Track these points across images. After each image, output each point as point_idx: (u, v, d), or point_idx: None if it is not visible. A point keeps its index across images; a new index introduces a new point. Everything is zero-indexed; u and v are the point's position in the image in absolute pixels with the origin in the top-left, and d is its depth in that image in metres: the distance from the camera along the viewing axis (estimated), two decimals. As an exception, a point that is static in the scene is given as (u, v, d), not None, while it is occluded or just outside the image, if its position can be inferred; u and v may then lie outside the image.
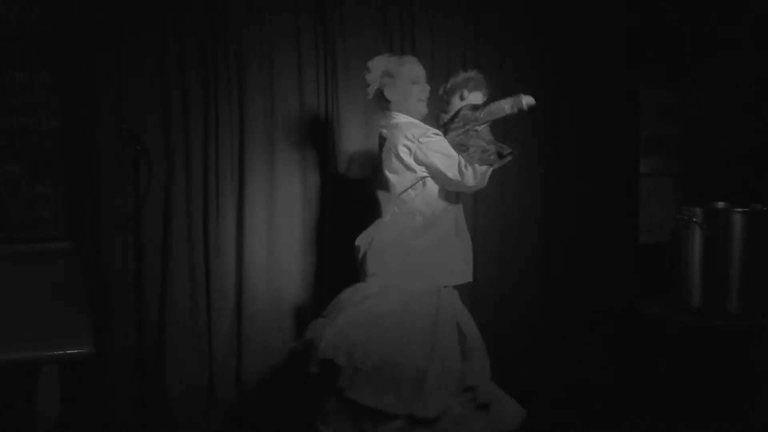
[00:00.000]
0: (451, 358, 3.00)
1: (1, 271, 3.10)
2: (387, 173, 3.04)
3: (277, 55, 3.69)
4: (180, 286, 3.60)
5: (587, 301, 4.25)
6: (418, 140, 2.97)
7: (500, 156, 3.01)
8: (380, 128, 3.17)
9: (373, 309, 2.99)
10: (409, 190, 3.03)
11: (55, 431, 2.60)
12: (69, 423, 3.12)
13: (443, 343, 3.00)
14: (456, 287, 3.15)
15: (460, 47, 3.98)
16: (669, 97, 4.47)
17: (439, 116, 3.20)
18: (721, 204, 3.95)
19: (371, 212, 3.19)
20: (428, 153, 2.97)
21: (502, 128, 3.86)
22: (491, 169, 3.04)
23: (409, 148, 2.98)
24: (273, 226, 3.72)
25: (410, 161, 2.99)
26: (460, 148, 3.00)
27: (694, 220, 3.75)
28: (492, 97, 3.11)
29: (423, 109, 3.14)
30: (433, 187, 3.05)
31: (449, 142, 3.02)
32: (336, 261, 3.70)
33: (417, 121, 3.10)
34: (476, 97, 3.13)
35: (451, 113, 3.13)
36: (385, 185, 3.07)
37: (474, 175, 2.99)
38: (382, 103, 3.14)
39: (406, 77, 3.09)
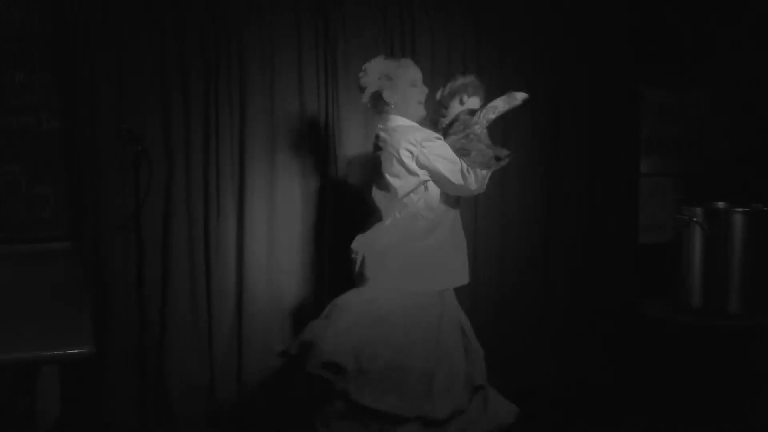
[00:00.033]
0: (457, 358, 3.02)
1: (1, 271, 3.10)
2: (388, 177, 3.03)
3: (277, 55, 3.69)
4: (180, 286, 3.60)
5: (587, 301, 4.25)
6: (421, 144, 2.97)
7: (497, 159, 3.02)
8: (378, 131, 3.16)
9: (377, 311, 2.98)
10: (411, 194, 3.03)
11: (55, 431, 2.60)
12: (69, 423, 3.11)
13: (449, 344, 3.02)
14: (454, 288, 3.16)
15: (460, 47, 3.98)
16: (669, 97, 4.47)
17: (438, 121, 3.21)
18: (721, 204, 3.95)
19: (371, 213, 3.19)
20: (431, 157, 2.97)
21: (502, 128, 3.88)
22: (490, 172, 3.05)
23: (411, 152, 2.98)
24: (273, 226, 3.72)
25: (412, 165, 2.99)
26: (462, 152, 3.01)
27: (695, 220, 3.75)
28: (487, 100, 3.12)
29: (422, 111, 3.15)
30: (434, 190, 3.05)
31: (450, 147, 3.03)
32: (336, 261, 3.69)
33: (416, 125, 3.11)
34: (474, 102, 3.14)
35: (450, 118, 3.14)
36: (385, 188, 3.06)
37: (476, 180, 3.01)
38: (379, 105, 3.14)
39: (406, 80, 3.09)
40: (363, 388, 2.89)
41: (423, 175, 3.01)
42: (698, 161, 4.54)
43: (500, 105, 3.01)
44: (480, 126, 3.03)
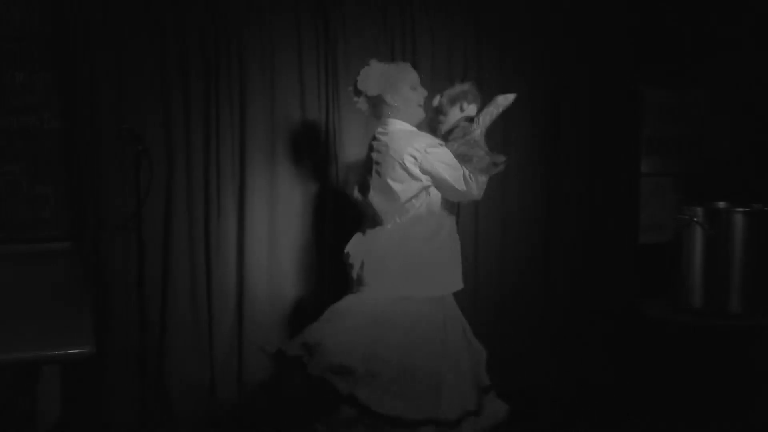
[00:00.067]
0: (463, 359, 3.03)
1: (1, 271, 3.10)
2: (389, 181, 3.02)
3: (277, 55, 3.69)
4: (181, 286, 3.60)
5: (587, 301, 4.25)
6: (425, 151, 2.98)
7: (495, 165, 3.05)
8: (378, 134, 3.15)
9: (380, 315, 2.98)
10: (413, 199, 3.03)
11: (56, 431, 2.60)
12: (69, 423, 3.12)
13: (454, 344, 3.03)
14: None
15: (461, 47, 3.98)
16: (669, 97, 4.47)
17: (437, 128, 3.21)
18: (721, 204, 3.95)
19: (364, 215, 3.19)
20: (434, 163, 2.98)
21: (502, 129, 3.89)
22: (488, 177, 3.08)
23: (415, 158, 2.98)
24: (274, 226, 3.72)
25: (416, 171, 2.99)
26: (464, 158, 3.03)
27: (695, 219, 3.75)
28: (483, 105, 3.15)
29: (421, 114, 3.16)
30: (436, 195, 3.06)
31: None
32: (336, 261, 3.68)
33: (417, 130, 3.12)
34: (473, 109, 3.17)
35: (449, 124, 3.16)
36: (385, 192, 3.05)
37: (477, 186, 3.02)
38: (379, 109, 3.13)
39: (407, 83, 3.10)
40: (374, 393, 2.87)
41: (426, 180, 3.01)
42: (698, 161, 4.53)
43: (494, 110, 3.08)
44: (480, 132, 3.06)
